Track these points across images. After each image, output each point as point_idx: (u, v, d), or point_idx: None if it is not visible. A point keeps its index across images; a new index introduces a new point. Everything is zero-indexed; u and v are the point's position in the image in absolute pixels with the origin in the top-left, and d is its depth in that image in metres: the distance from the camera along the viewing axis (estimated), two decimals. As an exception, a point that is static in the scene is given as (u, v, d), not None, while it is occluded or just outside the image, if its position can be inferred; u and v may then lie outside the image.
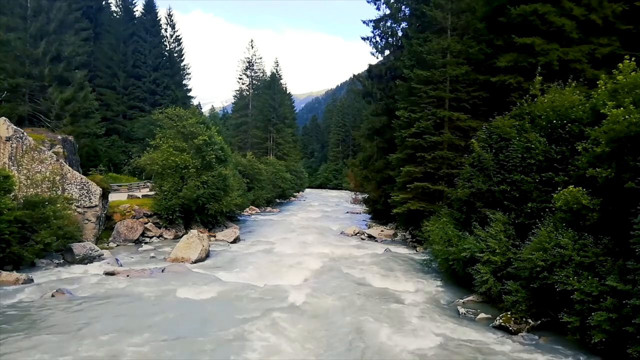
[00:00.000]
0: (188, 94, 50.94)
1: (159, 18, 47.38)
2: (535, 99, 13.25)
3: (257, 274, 14.63)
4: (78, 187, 18.46)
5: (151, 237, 21.26)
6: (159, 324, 9.59)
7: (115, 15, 46.54)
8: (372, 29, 28.95)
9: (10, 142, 17.17)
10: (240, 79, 67.60)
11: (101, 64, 41.72)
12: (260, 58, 68.67)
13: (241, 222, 30.57)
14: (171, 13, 49.22)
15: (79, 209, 18.24)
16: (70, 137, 22.74)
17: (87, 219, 18.47)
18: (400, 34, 28.49)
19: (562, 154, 11.32)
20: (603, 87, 10.33)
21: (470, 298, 12.08)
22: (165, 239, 21.67)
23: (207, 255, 17.34)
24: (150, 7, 46.41)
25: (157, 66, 44.96)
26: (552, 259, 9.20)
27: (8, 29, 25.04)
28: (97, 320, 9.65)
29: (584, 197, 9.26)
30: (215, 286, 12.88)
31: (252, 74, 67.28)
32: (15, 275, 12.60)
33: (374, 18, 28.89)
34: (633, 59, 9.98)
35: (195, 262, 16.35)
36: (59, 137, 21.28)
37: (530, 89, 13.73)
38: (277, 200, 50.71)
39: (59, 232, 15.03)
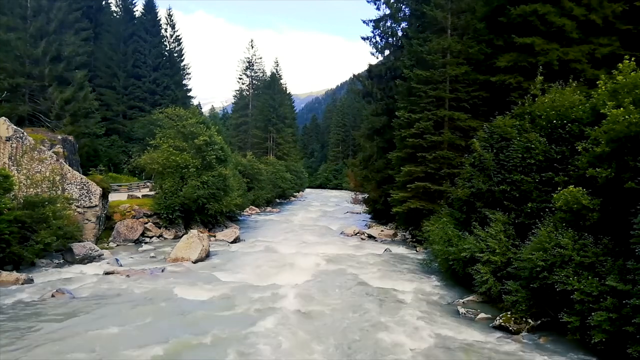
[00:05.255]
0: (188, 94, 50.94)
1: (159, 18, 47.36)
2: (536, 99, 13.26)
3: (257, 274, 14.63)
4: (78, 187, 18.46)
5: (151, 237, 21.26)
6: (159, 324, 9.59)
7: (115, 15, 46.48)
8: (372, 29, 29.00)
9: (10, 142, 17.17)
10: (240, 79, 67.71)
11: (101, 64, 41.70)
12: (260, 58, 68.84)
13: (241, 222, 30.57)
14: (171, 13, 49.29)
15: (79, 209, 18.25)
16: (70, 137, 22.74)
17: (87, 219, 18.47)
18: (400, 34, 28.50)
19: (562, 154, 11.31)
20: (603, 87, 10.32)
21: (470, 298, 12.07)
22: (165, 239, 21.66)
23: (207, 255, 17.34)
24: (150, 7, 46.37)
25: (157, 66, 44.94)
26: (552, 259, 9.20)
27: (8, 29, 25.02)
28: (97, 320, 9.66)
29: (584, 197, 9.25)
30: (215, 286, 12.89)
31: (252, 74, 67.33)
32: (15, 275, 12.60)
33: (374, 18, 28.97)
34: (633, 59, 9.97)
35: (196, 262, 16.34)
36: (59, 137, 21.27)
37: (530, 89, 13.73)
38: (277, 200, 50.69)
39: (59, 232, 15.02)
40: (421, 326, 9.98)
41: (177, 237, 21.20)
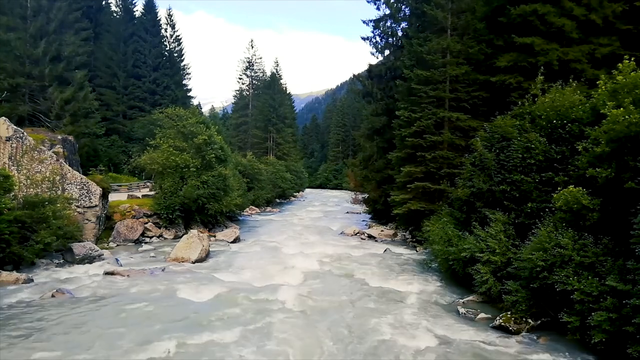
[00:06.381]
0: (188, 94, 50.99)
1: (159, 18, 47.41)
2: (536, 99, 13.26)
3: (257, 274, 14.63)
4: (78, 187, 18.45)
5: (151, 237, 21.26)
6: (159, 324, 9.58)
7: (115, 15, 46.53)
8: (372, 29, 28.98)
9: (10, 142, 17.17)
10: (240, 79, 67.78)
11: (101, 64, 41.73)
12: (260, 58, 68.94)
13: (241, 222, 30.58)
14: (171, 13, 49.33)
15: (79, 209, 18.24)
16: (70, 137, 22.75)
17: (87, 219, 18.47)
18: (400, 34, 28.50)
19: (562, 154, 11.31)
20: (603, 87, 10.32)
21: (470, 298, 12.07)
22: (165, 239, 21.66)
23: (207, 255, 17.34)
24: (150, 7, 46.41)
25: (157, 66, 44.98)
26: (552, 259, 9.20)
27: (8, 29, 25.04)
28: (97, 320, 9.66)
29: (584, 197, 9.25)
30: (215, 286, 12.88)
31: (252, 74, 67.39)
32: (15, 275, 12.60)
33: (374, 18, 28.98)
34: (633, 59, 9.97)
35: (196, 262, 16.35)
36: (59, 137, 21.28)
37: (531, 89, 13.72)
38: (277, 200, 50.70)
39: (59, 232, 15.01)
40: (421, 326, 9.98)
41: (177, 237, 21.20)
